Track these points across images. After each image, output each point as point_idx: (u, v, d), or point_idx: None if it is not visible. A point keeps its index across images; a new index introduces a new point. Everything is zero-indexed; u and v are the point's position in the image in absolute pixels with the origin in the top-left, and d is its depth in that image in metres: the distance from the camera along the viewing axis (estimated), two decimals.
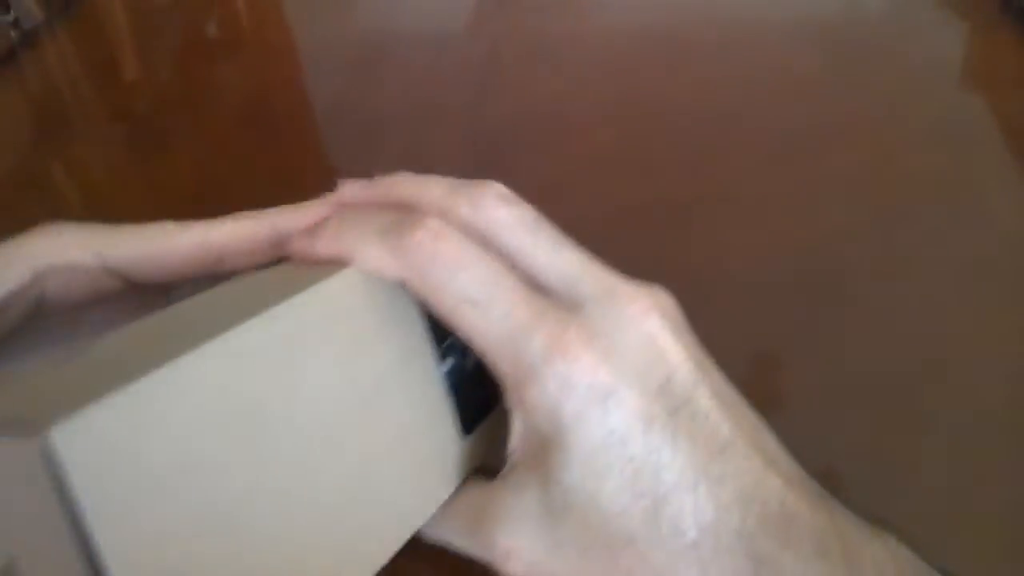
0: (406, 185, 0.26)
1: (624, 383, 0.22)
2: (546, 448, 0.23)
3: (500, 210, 0.24)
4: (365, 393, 0.23)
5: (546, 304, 0.23)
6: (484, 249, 0.23)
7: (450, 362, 0.26)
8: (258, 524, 0.20)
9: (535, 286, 0.23)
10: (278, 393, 0.21)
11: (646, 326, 0.23)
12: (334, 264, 0.24)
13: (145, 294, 0.28)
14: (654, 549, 0.22)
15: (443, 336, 0.25)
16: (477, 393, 0.26)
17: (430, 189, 0.25)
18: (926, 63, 0.50)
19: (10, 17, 0.58)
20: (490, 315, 0.22)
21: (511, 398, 0.23)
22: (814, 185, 0.42)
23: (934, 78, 0.49)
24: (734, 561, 0.22)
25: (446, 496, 0.26)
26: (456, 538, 0.26)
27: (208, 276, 0.28)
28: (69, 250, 0.27)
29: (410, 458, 0.25)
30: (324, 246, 0.24)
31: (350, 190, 0.27)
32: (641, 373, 0.22)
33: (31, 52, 0.58)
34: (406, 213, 0.24)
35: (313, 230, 0.25)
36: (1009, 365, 0.33)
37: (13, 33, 0.58)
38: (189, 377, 0.19)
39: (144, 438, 0.18)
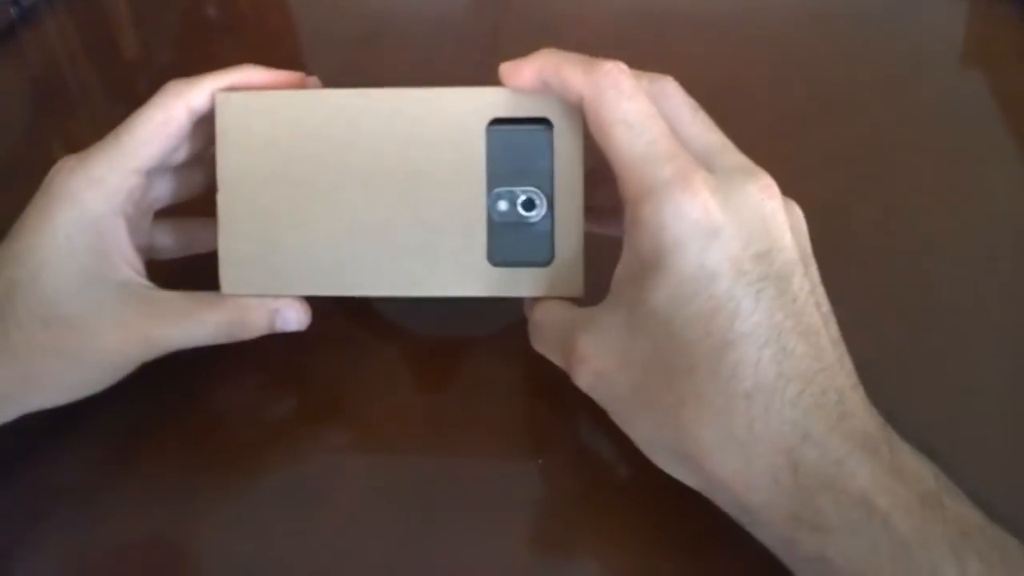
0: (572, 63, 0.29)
1: (730, 230, 0.24)
2: (643, 270, 0.25)
3: (674, 88, 0.28)
4: (420, 175, 0.30)
5: (685, 151, 0.26)
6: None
7: (501, 204, 0.30)
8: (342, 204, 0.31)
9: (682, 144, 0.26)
10: (371, 141, 0.30)
11: (768, 205, 0.25)
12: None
13: None
14: (710, 385, 0.24)
15: (493, 185, 0.30)
16: (518, 242, 0.30)
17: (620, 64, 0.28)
18: (925, 40, 0.50)
19: None
20: (638, 138, 0.26)
21: (628, 217, 0.26)
22: (813, 160, 0.42)
23: (934, 54, 0.49)
24: (781, 426, 0.23)
25: (463, 291, 0.31)
26: (548, 346, 0.30)
27: None
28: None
29: (441, 242, 0.30)
30: (530, 63, 0.29)
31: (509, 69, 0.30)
32: (748, 233, 0.25)
33: (31, 29, 0.58)
34: None
35: (520, 61, 0.29)
36: (1007, 336, 0.33)
37: (13, 10, 0.58)
38: (322, 103, 0.31)
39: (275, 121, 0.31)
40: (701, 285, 0.24)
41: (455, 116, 0.30)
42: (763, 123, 0.44)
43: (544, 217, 0.30)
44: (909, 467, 0.23)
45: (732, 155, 0.27)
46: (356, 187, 0.31)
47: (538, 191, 0.30)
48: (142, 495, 0.32)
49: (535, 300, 0.31)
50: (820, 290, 0.26)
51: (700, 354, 0.24)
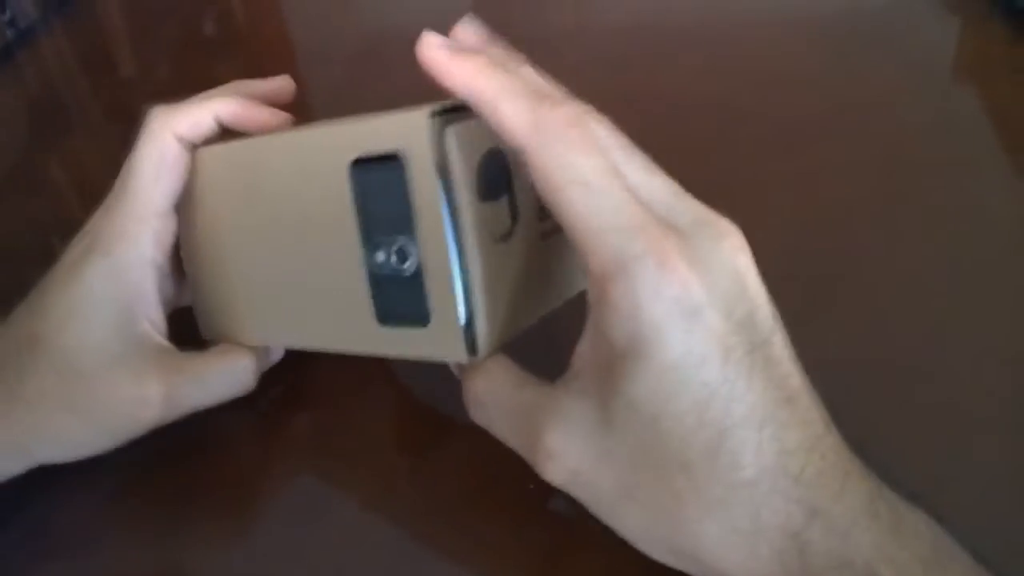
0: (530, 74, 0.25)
1: (712, 305, 0.22)
2: (617, 357, 0.22)
3: (605, 129, 0.24)
4: (295, 229, 0.29)
5: (651, 216, 0.22)
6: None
7: (379, 256, 0.26)
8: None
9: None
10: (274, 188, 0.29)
11: (738, 261, 0.23)
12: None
13: None
14: (709, 479, 0.22)
15: (370, 234, 0.27)
16: (399, 298, 0.26)
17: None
18: (919, 56, 0.51)
19: (6, 16, 0.58)
20: (600, 202, 0.22)
21: (592, 292, 0.23)
22: (809, 176, 0.42)
23: (927, 71, 0.50)
24: (787, 506, 0.22)
25: (356, 349, 0.29)
26: (507, 432, 0.26)
27: None
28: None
29: (332, 297, 0.28)
30: (468, 74, 0.24)
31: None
32: (728, 302, 0.22)
33: (27, 50, 0.58)
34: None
35: (464, 51, 0.25)
36: (1000, 357, 0.33)
37: (9, 31, 0.58)
38: (260, 147, 0.31)
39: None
40: (689, 374, 0.21)
41: (320, 159, 0.27)
42: (758, 139, 0.45)
43: (418, 269, 0.26)
44: (907, 524, 0.22)
45: (686, 203, 0.24)
46: (263, 239, 0.30)
47: (410, 238, 0.25)
48: (132, 537, 0.31)
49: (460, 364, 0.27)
50: (786, 336, 0.24)
51: (696, 448, 0.22)
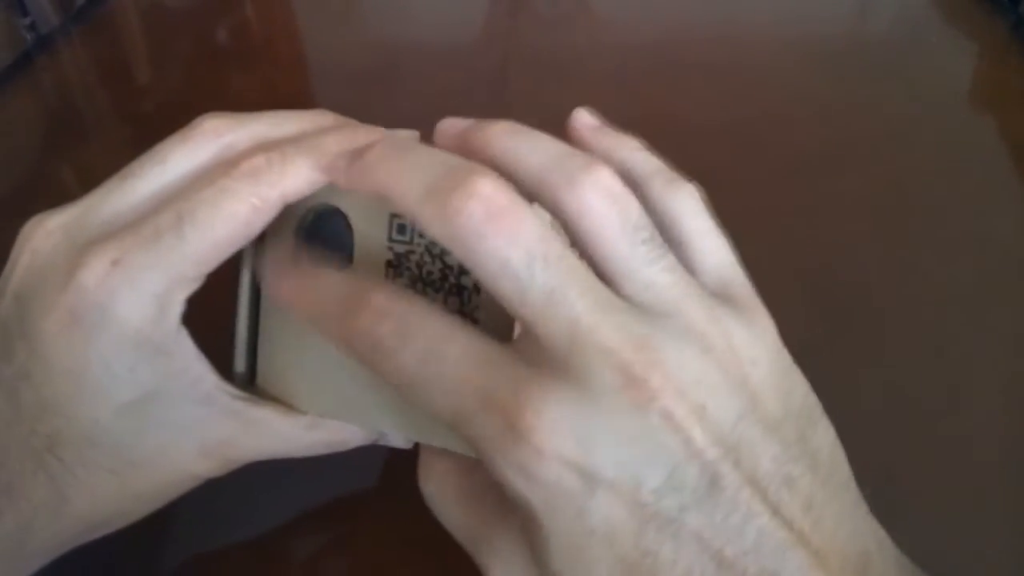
0: (505, 143, 0.21)
1: (608, 474, 0.18)
2: (528, 522, 0.19)
3: (602, 205, 0.20)
4: None
5: (521, 363, 0.19)
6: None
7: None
8: None
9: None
10: None
11: (652, 419, 0.18)
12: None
13: None
14: None
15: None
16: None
17: (528, 157, 0.21)
18: (935, 84, 0.51)
19: (27, 20, 0.59)
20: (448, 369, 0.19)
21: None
22: (821, 204, 0.42)
23: (942, 98, 0.49)
24: None
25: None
26: (450, 524, 0.22)
27: None
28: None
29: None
30: (358, 176, 0.21)
31: (444, 127, 0.23)
32: (636, 467, 0.18)
33: (46, 57, 0.59)
34: (462, 158, 0.20)
35: (356, 154, 0.22)
36: (1016, 387, 0.33)
37: (29, 36, 0.59)
38: None
39: None
40: (598, 552, 0.18)
41: None
42: (770, 166, 0.44)
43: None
44: None
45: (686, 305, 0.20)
46: None
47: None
48: None
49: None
50: (766, 445, 0.19)
51: None
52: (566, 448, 0.17)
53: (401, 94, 0.50)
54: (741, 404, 0.19)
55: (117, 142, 0.52)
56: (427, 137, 0.25)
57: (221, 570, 0.29)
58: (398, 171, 0.20)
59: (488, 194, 0.19)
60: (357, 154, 0.21)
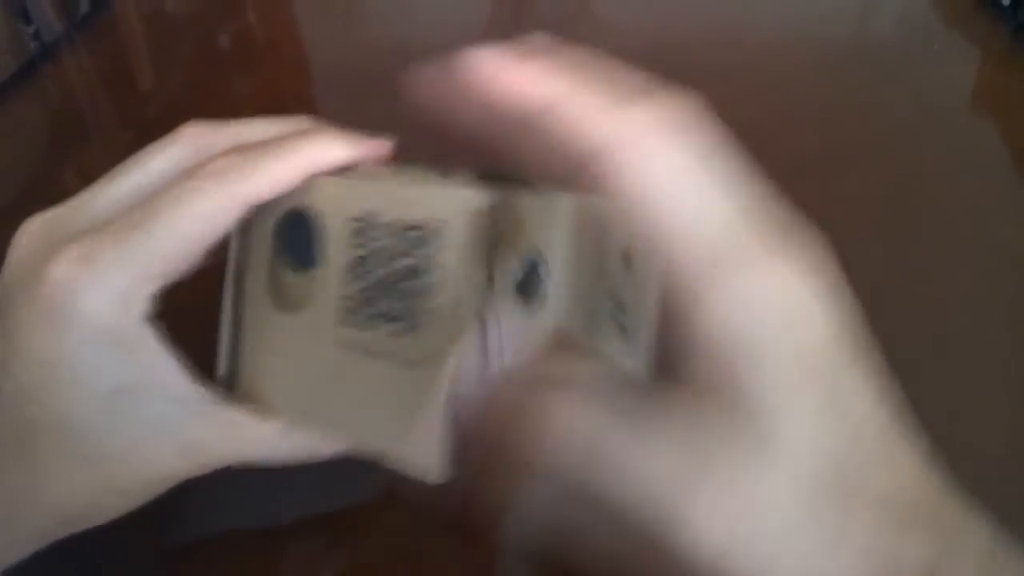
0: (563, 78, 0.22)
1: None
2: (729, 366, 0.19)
3: (663, 142, 0.21)
4: None
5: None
6: None
7: None
8: None
9: None
10: None
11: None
12: None
13: None
14: None
15: None
16: None
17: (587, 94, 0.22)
18: (937, 88, 0.51)
19: (31, 29, 0.59)
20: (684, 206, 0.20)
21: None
22: (823, 206, 0.42)
23: (944, 102, 0.49)
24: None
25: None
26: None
27: None
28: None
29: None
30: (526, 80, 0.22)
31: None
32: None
33: (51, 64, 0.59)
34: None
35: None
36: (1017, 387, 0.32)
37: (33, 44, 0.59)
38: None
39: None
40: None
41: None
42: (772, 168, 0.44)
43: None
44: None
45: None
46: None
47: None
48: None
49: None
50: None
51: None
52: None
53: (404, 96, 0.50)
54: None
55: (120, 147, 0.52)
56: (410, 151, 0.25)
57: (221, 570, 0.29)
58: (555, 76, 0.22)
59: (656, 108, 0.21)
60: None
